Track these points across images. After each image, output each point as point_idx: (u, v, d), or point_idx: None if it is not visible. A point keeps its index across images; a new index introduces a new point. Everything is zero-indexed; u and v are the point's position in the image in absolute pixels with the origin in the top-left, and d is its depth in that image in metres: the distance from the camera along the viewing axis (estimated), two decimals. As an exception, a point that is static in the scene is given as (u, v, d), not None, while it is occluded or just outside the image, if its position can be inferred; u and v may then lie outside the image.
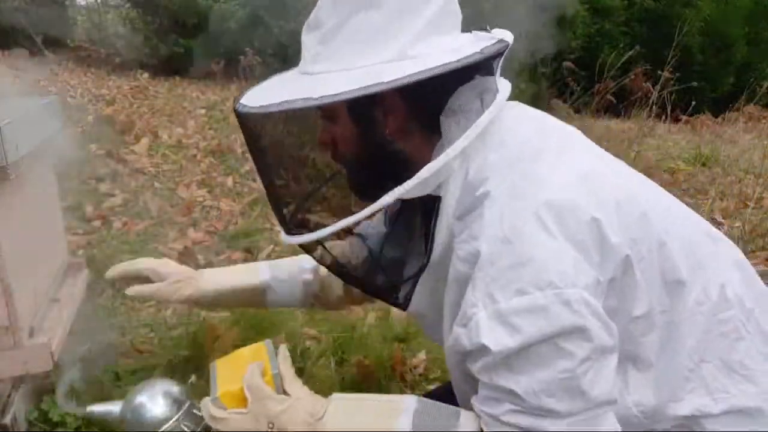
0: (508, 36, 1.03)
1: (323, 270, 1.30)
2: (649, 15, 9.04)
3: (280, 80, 1.09)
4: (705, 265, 1.03)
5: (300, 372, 2.14)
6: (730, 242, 1.14)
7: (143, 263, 1.39)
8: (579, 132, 1.14)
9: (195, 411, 1.09)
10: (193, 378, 1.11)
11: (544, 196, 0.93)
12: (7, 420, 1.62)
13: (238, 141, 4.72)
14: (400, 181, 0.97)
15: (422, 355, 2.27)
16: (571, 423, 0.90)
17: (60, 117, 2.10)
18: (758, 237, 3.56)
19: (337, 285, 1.40)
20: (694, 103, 6.07)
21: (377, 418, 1.01)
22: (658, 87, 5.27)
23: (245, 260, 2.96)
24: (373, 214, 1.01)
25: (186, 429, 1.06)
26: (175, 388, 1.12)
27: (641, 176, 1.13)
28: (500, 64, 1.04)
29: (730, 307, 1.03)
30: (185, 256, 2.92)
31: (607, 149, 1.12)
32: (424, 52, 0.97)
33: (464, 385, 1.05)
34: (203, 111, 6.16)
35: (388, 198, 0.97)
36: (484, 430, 0.95)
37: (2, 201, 1.60)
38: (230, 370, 1.10)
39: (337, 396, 1.05)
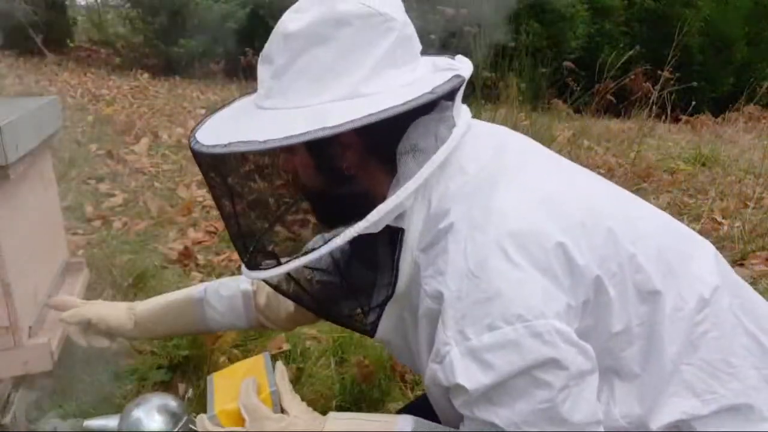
0: (466, 69, 1.02)
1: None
2: (649, 15, 9.06)
3: (238, 110, 1.10)
4: (677, 270, 1.02)
5: (300, 372, 2.14)
6: (699, 237, 1.12)
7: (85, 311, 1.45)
8: (536, 144, 1.13)
9: (192, 426, 1.08)
10: (189, 392, 1.10)
11: (506, 227, 0.92)
12: (7, 420, 1.62)
13: (238, 141, 4.72)
14: (359, 215, 0.95)
15: (422, 355, 2.27)
16: None
17: (60, 117, 2.10)
18: (758, 237, 3.55)
19: (285, 301, 1.33)
20: (694, 103, 6.07)
21: None
22: (658, 87, 5.27)
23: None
24: (327, 252, 1.00)
25: None
26: (172, 403, 1.12)
27: (601, 182, 1.11)
28: (460, 94, 1.03)
29: (706, 305, 1.01)
30: (185, 256, 2.92)
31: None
32: (376, 89, 0.96)
33: (446, 408, 1.04)
34: (203, 111, 6.16)
35: (339, 240, 0.96)
36: None
37: (2, 201, 1.60)
38: (227, 384, 1.10)
39: (334, 414, 1.06)
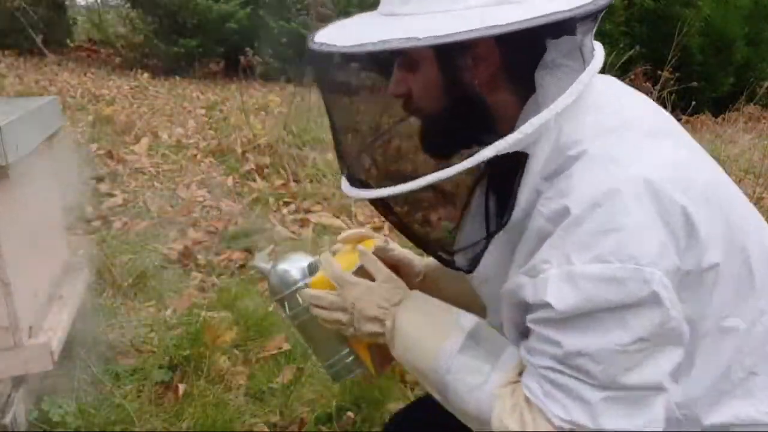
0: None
1: None
2: (649, 15, 9.04)
3: (357, 22, 1.00)
4: None
5: (300, 372, 2.15)
6: None
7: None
8: (674, 119, 1.08)
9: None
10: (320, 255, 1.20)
11: (642, 170, 0.88)
12: (7, 420, 1.62)
13: (238, 141, 4.73)
14: (481, 138, 0.90)
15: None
16: (609, 397, 0.87)
17: (60, 117, 2.10)
18: (758, 237, 3.55)
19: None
20: (694, 103, 6.06)
21: (436, 328, 1.04)
22: (658, 87, 5.26)
23: (245, 260, 2.96)
24: (465, 171, 0.91)
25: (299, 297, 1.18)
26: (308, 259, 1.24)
27: (725, 176, 1.06)
28: (595, 26, 0.94)
29: None
30: (185, 256, 2.92)
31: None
32: None
33: (511, 332, 1.03)
34: (203, 111, 6.17)
35: (487, 152, 0.88)
36: (523, 380, 0.94)
37: (2, 201, 1.60)
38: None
39: (415, 295, 1.09)
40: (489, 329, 1.03)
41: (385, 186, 0.97)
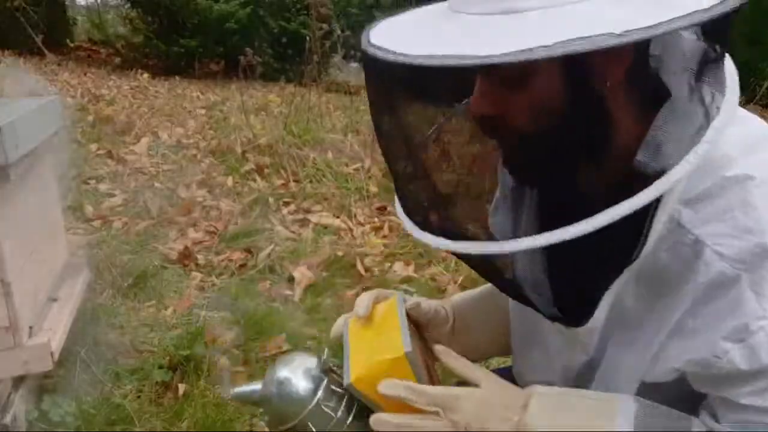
0: None
1: None
2: (649, 15, 9.04)
3: (439, 25, 0.75)
4: None
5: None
6: None
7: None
8: None
9: (333, 387, 0.95)
10: (326, 353, 0.96)
11: None
12: (7, 420, 1.62)
13: (238, 141, 4.73)
14: (591, 163, 0.72)
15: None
16: None
17: (60, 117, 2.10)
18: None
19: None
20: (694, 103, 6.06)
21: (590, 419, 0.82)
22: (658, 87, 5.27)
23: (245, 260, 2.97)
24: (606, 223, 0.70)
25: (327, 409, 0.93)
26: (312, 361, 0.98)
27: None
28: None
29: None
30: (185, 256, 2.92)
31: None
32: None
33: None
34: (203, 111, 6.16)
35: (678, 173, 0.69)
36: None
37: (2, 201, 1.60)
38: (361, 338, 0.95)
39: (538, 389, 0.85)
40: (652, 403, 0.84)
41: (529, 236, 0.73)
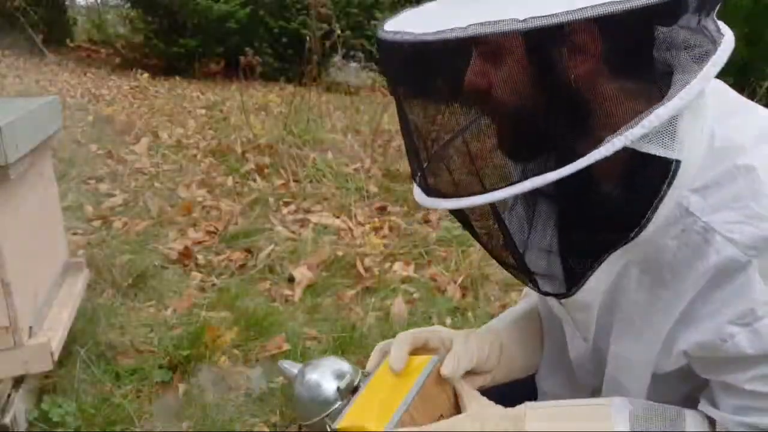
0: None
1: None
2: (649, 15, 9.04)
3: (437, 9, 0.79)
4: None
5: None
6: None
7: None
8: None
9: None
10: (360, 374, 0.98)
11: None
12: (7, 420, 1.62)
13: (238, 141, 4.73)
14: (565, 147, 0.70)
15: (422, 355, 2.27)
16: None
17: (60, 117, 2.10)
18: (758, 237, 3.55)
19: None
20: (694, 103, 6.06)
21: (588, 422, 0.85)
22: (658, 87, 5.27)
23: (245, 260, 2.97)
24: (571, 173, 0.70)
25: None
26: (345, 367, 1.00)
27: None
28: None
29: None
30: (185, 256, 2.92)
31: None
32: None
33: (665, 395, 0.87)
34: (203, 111, 6.17)
35: (613, 146, 0.68)
36: None
37: (2, 201, 1.60)
38: (374, 391, 0.96)
39: (530, 405, 0.89)
40: (646, 402, 0.87)
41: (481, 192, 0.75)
